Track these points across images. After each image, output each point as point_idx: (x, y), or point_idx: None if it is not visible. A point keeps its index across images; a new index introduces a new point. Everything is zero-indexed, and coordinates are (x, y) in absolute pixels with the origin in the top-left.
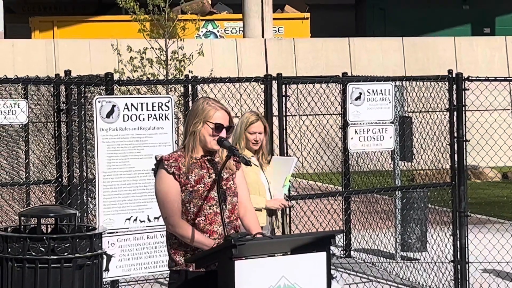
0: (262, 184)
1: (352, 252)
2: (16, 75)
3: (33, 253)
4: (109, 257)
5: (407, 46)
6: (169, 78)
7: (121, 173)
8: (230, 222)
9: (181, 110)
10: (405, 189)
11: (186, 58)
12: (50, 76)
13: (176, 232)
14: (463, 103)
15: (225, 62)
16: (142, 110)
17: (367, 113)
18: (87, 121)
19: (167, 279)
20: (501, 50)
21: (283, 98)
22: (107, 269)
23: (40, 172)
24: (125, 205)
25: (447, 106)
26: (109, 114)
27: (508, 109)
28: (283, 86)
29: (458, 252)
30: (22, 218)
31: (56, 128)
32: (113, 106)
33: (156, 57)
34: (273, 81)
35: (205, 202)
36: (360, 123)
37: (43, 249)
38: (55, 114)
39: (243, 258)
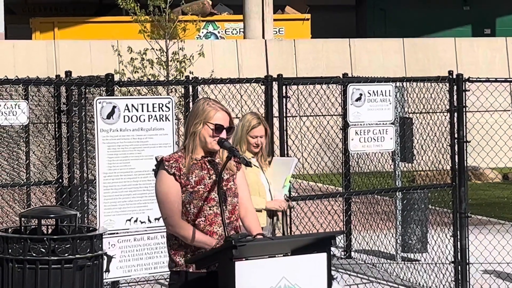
0: (262, 185)
1: (352, 253)
2: (16, 76)
3: (34, 254)
4: (110, 258)
5: (407, 47)
6: (170, 79)
7: (122, 174)
8: (231, 223)
9: (182, 111)
10: (406, 190)
11: (187, 59)
12: (50, 77)
13: (176, 233)
14: (464, 104)
15: (226, 63)
16: (142, 111)
17: (367, 114)
18: (88, 122)
19: (168, 280)
20: (502, 51)
21: (284, 99)
22: (107, 270)
23: (41, 173)
24: (126, 206)
25: (447, 107)
26: (110, 115)
27: (509, 110)
28: (284, 87)
29: (459, 253)
30: (22, 219)
31: (56, 129)
32: (114, 107)
33: (156, 58)
34: (274, 82)
35: (205, 203)
36: (361, 124)
37: (43, 250)
38: (56, 115)
39: (244, 259)
